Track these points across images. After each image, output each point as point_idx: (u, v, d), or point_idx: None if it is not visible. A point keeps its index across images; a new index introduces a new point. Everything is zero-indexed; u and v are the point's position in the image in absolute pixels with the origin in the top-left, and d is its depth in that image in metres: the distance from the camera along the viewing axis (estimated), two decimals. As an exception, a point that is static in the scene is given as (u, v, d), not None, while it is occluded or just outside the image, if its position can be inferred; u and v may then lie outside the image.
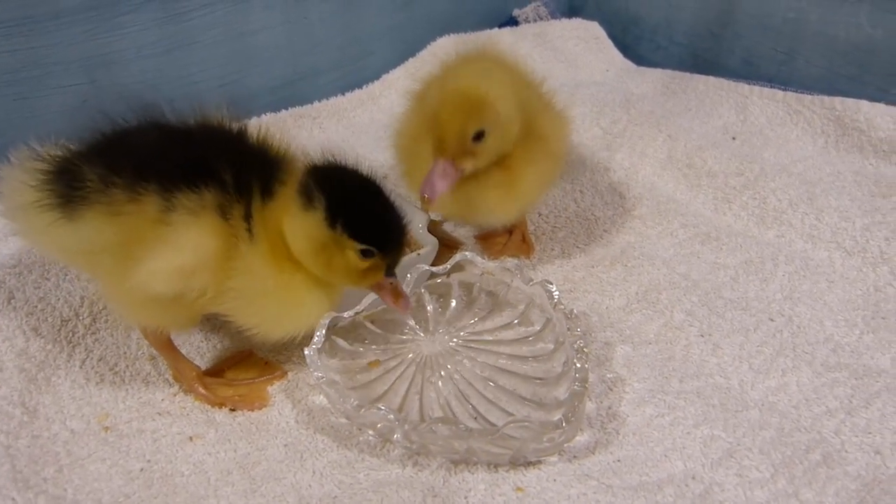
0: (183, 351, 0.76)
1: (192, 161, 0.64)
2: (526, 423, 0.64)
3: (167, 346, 0.73)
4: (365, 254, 0.65)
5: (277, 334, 0.68)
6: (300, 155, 0.70)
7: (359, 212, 0.65)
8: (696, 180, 1.09)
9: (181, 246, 0.61)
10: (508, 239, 0.97)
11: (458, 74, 0.79)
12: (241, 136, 0.69)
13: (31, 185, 0.66)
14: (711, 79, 1.34)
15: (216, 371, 0.77)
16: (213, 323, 0.83)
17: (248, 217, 0.64)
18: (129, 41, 1.11)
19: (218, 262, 0.63)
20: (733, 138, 1.19)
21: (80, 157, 0.66)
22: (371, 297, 0.79)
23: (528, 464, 0.67)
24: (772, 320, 0.83)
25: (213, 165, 0.64)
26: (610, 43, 1.56)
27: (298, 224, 0.64)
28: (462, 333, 0.80)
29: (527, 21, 1.61)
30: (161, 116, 0.70)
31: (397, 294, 0.70)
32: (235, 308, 0.66)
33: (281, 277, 0.66)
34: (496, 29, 1.56)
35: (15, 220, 0.70)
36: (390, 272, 0.69)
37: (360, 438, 0.70)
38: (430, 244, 0.88)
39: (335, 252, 0.65)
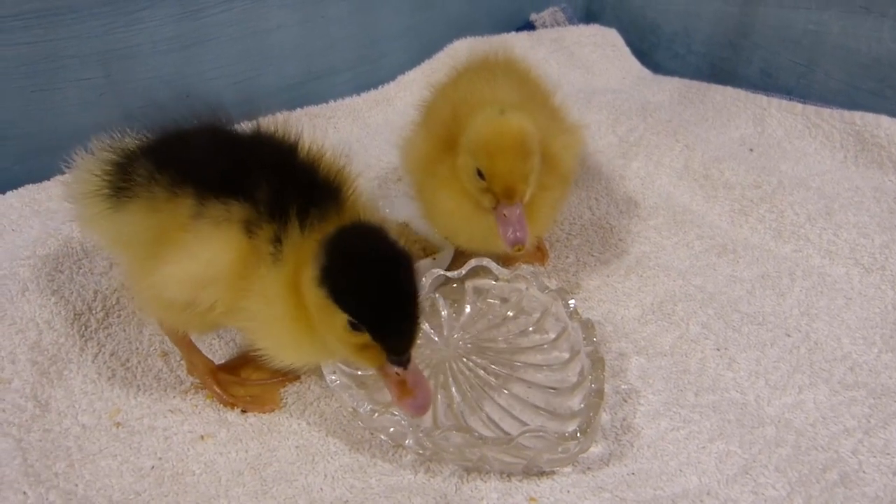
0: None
1: (230, 171, 0.62)
2: (541, 433, 0.63)
3: (184, 341, 0.73)
4: (353, 326, 0.57)
5: (286, 361, 0.64)
6: (353, 179, 0.66)
7: (351, 278, 0.57)
8: (713, 191, 1.08)
9: (196, 255, 0.60)
10: (523, 246, 0.96)
11: (481, 104, 0.76)
12: (292, 152, 0.66)
13: (95, 175, 0.66)
14: (729, 89, 1.33)
15: (229, 368, 0.77)
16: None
17: (276, 240, 0.60)
18: (146, 36, 1.11)
19: (232, 279, 0.60)
20: (751, 150, 1.18)
21: (138, 151, 0.66)
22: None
23: (542, 474, 0.66)
24: (788, 336, 0.82)
25: (250, 179, 0.61)
26: (627, 50, 1.55)
27: (305, 275, 0.59)
28: (476, 340, 0.80)
29: (544, 26, 1.61)
30: (220, 120, 0.68)
31: (403, 390, 0.59)
32: (248, 328, 0.63)
33: (299, 309, 0.60)
34: (513, 33, 1.55)
35: (75, 204, 0.69)
36: (397, 360, 0.59)
37: (373, 443, 0.70)
38: (446, 249, 0.88)
39: (328, 315, 0.58)
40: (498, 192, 0.72)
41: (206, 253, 0.60)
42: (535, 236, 0.83)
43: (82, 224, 0.72)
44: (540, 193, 0.76)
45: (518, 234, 0.72)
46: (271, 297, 0.60)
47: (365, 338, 0.57)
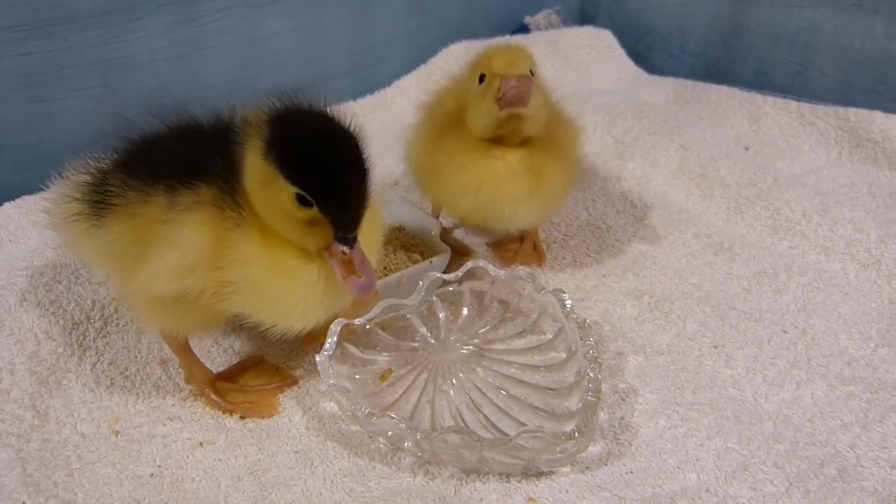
0: (194, 355, 0.76)
1: (194, 158, 0.62)
2: (539, 434, 0.63)
3: (183, 349, 0.73)
4: (300, 200, 0.56)
5: (289, 321, 0.62)
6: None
7: (297, 148, 0.56)
8: (709, 190, 1.08)
9: (174, 244, 0.60)
10: (520, 247, 0.97)
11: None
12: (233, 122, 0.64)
13: (73, 199, 0.66)
14: (724, 88, 1.34)
15: (227, 376, 0.77)
16: (224, 328, 0.83)
17: (237, 205, 0.60)
18: (143, 45, 1.11)
19: (212, 258, 0.60)
20: (746, 149, 1.19)
21: (110, 166, 0.67)
22: (383, 303, 0.79)
23: (541, 474, 0.66)
24: (785, 332, 0.82)
25: (210, 159, 0.61)
26: (622, 51, 1.56)
27: (247, 160, 0.58)
28: (474, 342, 0.80)
29: (538, 28, 1.61)
30: (180, 118, 0.68)
31: (349, 268, 0.57)
32: (240, 303, 0.62)
33: (270, 255, 0.60)
34: (508, 36, 1.56)
35: (59, 232, 0.71)
36: (343, 239, 0.58)
37: (371, 446, 0.70)
38: (442, 252, 0.88)
39: (272, 191, 0.57)
40: (499, 67, 0.76)
41: (184, 239, 0.60)
42: (540, 207, 0.83)
43: (69, 248, 0.73)
44: (548, 161, 0.80)
45: (520, 96, 0.74)
46: (246, 259, 0.60)
47: (312, 212, 0.56)
